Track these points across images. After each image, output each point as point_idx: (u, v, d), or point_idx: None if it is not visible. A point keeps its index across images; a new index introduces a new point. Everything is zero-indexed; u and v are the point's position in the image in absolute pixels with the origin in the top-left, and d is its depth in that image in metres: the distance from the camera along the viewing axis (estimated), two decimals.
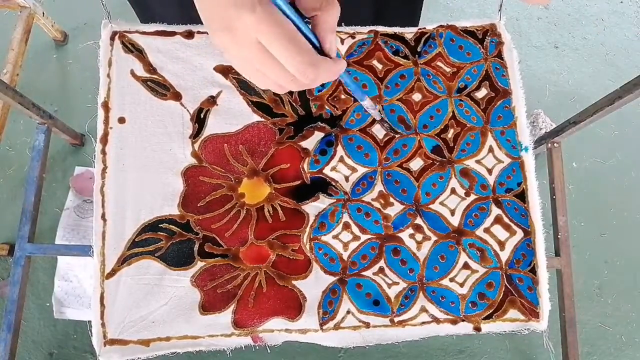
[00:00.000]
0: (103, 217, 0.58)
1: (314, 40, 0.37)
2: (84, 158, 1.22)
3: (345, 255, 0.60)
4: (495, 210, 0.61)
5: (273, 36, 0.33)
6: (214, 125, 0.62)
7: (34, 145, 0.92)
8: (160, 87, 0.62)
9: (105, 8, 0.60)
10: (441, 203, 0.61)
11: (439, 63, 0.65)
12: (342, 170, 0.62)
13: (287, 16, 0.34)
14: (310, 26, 0.37)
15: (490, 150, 0.63)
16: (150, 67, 0.62)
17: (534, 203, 0.62)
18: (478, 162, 0.63)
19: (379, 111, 0.59)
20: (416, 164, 0.62)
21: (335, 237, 0.60)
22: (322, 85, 0.63)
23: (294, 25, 0.35)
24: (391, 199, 0.61)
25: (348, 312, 0.58)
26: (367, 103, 0.52)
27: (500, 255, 0.60)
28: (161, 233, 0.59)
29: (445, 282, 0.59)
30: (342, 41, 0.65)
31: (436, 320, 0.58)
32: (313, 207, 0.60)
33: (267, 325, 0.57)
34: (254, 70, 0.37)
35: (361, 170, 0.62)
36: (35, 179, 0.89)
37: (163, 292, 0.57)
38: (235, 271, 0.58)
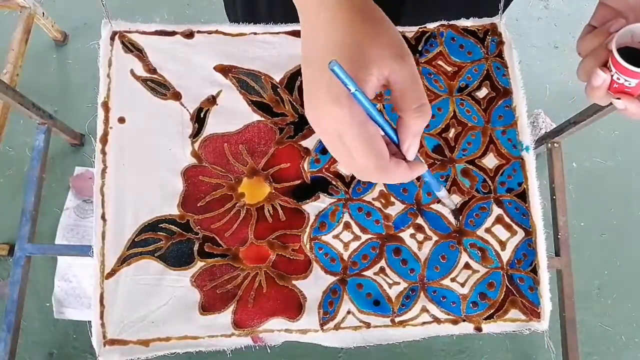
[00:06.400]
0: (103, 217, 0.58)
1: (393, 137, 0.37)
2: (84, 158, 1.22)
3: (345, 255, 0.59)
4: (496, 210, 0.61)
5: (351, 135, 0.35)
6: (214, 124, 0.62)
7: (34, 145, 0.91)
8: (160, 87, 0.62)
9: (105, 8, 0.60)
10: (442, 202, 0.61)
11: (439, 62, 0.65)
12: (342, 169, 0.61)
13: (368, 113, 0.35)
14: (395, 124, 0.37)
15: (491, 149, 0.63)
16: (150, 67, 0.62)
17: (535, 203, 0.61)
18: (479, 161, 0.63)
19: (452, 200, 0.60)
20: None
21: (336, 236, 0.60)
22: None
23: (375, 120, 0.35)
24: (392, 199, 0.61)
25: (348, 312, 0.58)
26: (442, 194, 0.53)
27: (501, 255, 0.60)
28: (161, 233, 0.58)
29: (446, 282, 0.59)
30: None
31: (437, 320, 0.58)
32: (313, 207, 0.60)
33: (267, 325, 0.57)
34: (330, 150, 0.38)
35: None
36: (35, 179, 0.88)
37: (163, 292, 0.57)
38: (235, 271, 0.58)
